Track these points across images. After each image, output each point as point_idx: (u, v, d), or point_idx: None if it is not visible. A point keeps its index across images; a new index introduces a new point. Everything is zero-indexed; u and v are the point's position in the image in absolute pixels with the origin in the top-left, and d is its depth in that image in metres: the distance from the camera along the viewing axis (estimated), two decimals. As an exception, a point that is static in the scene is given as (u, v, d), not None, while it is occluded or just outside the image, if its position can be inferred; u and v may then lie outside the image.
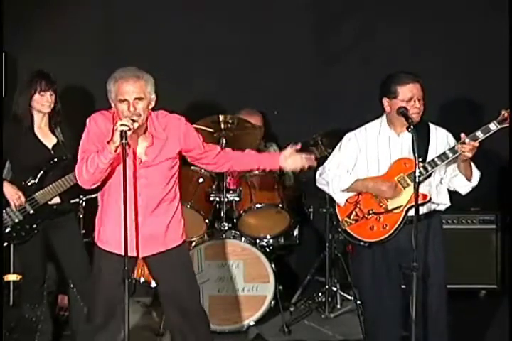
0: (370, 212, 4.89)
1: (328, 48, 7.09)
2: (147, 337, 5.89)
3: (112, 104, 4.57)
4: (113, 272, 4.53)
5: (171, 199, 4.68)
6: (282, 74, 7.04)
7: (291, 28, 7.03)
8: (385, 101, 4.88)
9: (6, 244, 5.33)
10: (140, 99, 4.48)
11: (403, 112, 4.77)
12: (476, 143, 4.70)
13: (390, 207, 4.86)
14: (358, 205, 4.92)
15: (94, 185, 4.57)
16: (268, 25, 7.04)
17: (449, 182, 4.91)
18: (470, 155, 4.71)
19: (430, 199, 4.83)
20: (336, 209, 4.98)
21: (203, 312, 4.81)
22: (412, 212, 4.78)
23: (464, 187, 4.90)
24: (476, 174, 4.88)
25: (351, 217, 4.92)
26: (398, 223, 4.84)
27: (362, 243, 4.91)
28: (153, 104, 4.59)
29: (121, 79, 4.48)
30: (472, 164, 4.84)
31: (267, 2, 7.08)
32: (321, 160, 5.15)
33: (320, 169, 5.05)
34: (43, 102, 5.27)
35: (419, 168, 4.64)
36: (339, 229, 4.99)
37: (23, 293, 5.51)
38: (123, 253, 4.41)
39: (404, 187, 4.84)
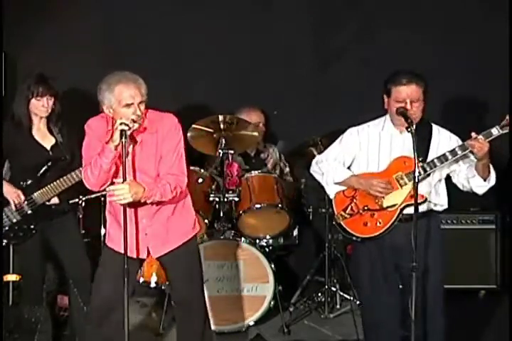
0: (365, 208, 4.90)
1: (328, 48, 7.09)
2: (147, 337, 5.88)
3: (108, 110, 4.52)
4: (117, 271, 4.54)
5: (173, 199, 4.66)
6: (282, 74, 7.05)
7: (291, 28, 7.03)
8: (385, 99, 4.90)
9: (4, 243, 5.34)
10: (142, 101, 4.49)
11: (403, 112, 4.78)
12: (484, 142, 4.69)
13: (385, 205, 4.87)
14: (355, 200, 4.93)
15: (102, 186, 4.58)
16: (268, 25, 7.05)
17: (467, 183, 4.90)
18: (481, 154, 4.70)
19: (426, 199, 4.82)
20: (333, 202, 5.00)
21: (205, 311, 4.85)
22: (407, 210, 4.81)
23: (481, 187, 4.88)
24: (493, 175, 4.87)
25: (346, 211, 4.93)
26: (392, 221, 4.85)
27: (354, 238, 4.93)
28: None
29: (121, 83, 4.46)
30: (490, 165, 4.84)
31: (267, 2, 7.09)
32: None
33: (317, 157, 5.08)
34: (39, 107, 5.28)
35: (418, 168, 4.68)
36: (334, 222, 5.00)
37: (22, 294, 5.52)
38: (124, 253, 4.45)
39: (402, 186, 4.85)
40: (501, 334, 5.71)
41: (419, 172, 4.70)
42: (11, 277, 5.72)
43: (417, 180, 4.56)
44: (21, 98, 5.27)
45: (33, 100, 5.26)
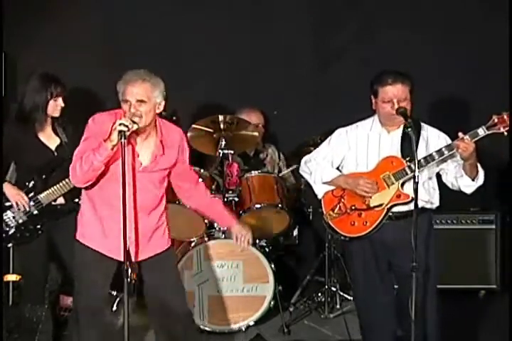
0: (353, 207, 4.92)
1: (328, 48, 7.09)
2: (146, 337, 5.88)
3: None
4: (99, 272, 4.58)
5: (160, 205, 4.69)
6: (282, 74, 7.05)
7: (291, 28, 7.04)
8: (372, 99, 4.91)
9: (10, 244, 5.35)
10: (142, 101, 4.47)
11: (403, 112, 4.78)
12: (469, 142, 4.69)
13: (371, 205, 4.89)
14: (343, 200, 4.94)
15: (86, 183, 4.54)
16: (268, 25, 7.05)
17: (455, 182, 4.91)
18: (465, 154, 4.71)
19: (412, 199, 4.78)
20: (322, 202, 5.01)
21: (190, 314, 4.84)
22: (397, 208, 4.83)
23: (469, 187, 4.89)
24: (481, 174, 4.87)
25: (335, 211, 4.96)
26: (378, 221, 4.86)
27: (342, 237, 4.96)
28: (161, 108, 4.57)
29: (129, 81, 4.48)
30: (478, 164, 4.83)
31: (267, 2, 7.09)
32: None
33: (306, 157, 5.11)
34: (56, 107, 5.29)
35: (405, 168, 4.76)
36: (323, 222, 5.01)
37: (24, 294, 5.51)
38: (124, 253, 4.43)
39: (389, 186, 4.86)
40: (501, 334, 5.71)
41: (406, 172, 4.77)
42: (11, 277, 5.72)
43: (405, 180, 4.62)
44: (39, 99, 5.25)
45: (51, 101, 5.27)
